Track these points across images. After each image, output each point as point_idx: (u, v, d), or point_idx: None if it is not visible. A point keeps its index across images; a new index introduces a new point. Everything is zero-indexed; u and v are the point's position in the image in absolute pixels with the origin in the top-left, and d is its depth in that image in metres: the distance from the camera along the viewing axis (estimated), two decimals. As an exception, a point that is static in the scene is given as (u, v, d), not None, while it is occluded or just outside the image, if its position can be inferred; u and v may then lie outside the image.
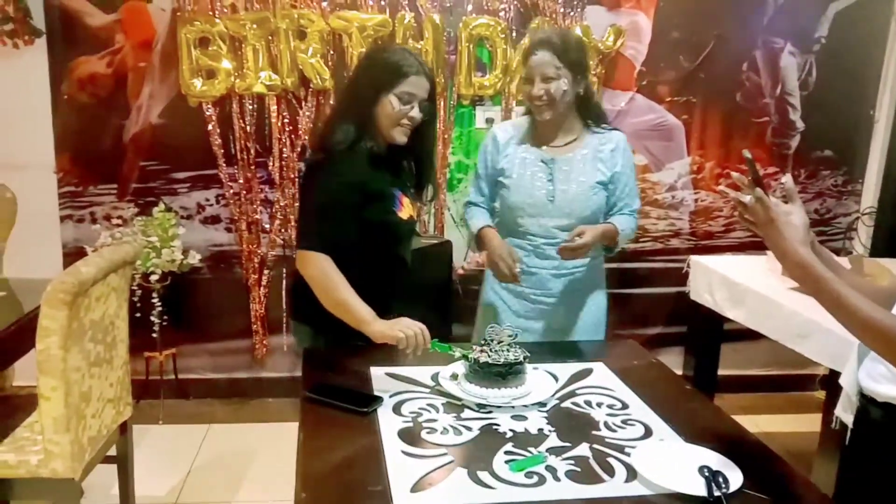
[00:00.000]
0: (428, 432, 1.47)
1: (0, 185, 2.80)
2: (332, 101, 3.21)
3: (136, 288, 3.13)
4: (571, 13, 3.26)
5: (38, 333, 1.79)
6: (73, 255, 3.18)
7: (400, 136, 1.86)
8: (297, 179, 3.25)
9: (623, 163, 2.16)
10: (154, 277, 3.12)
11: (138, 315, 3.15)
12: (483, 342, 1.70)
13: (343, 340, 1.91)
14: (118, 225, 3.25)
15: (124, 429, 2.30)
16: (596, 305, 2.26)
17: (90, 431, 2.00)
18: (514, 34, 3.26)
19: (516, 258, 2.07)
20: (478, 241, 2.20)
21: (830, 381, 2.18)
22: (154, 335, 3.23)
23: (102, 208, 3.29)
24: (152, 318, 3.20)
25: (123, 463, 2.32)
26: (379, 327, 1.77)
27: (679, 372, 3.18)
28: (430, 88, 1.87)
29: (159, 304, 3.19)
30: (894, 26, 3.44)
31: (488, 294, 2.30)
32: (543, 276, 2.18)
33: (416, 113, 1.85)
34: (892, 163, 3.48)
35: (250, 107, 3.21)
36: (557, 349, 2.03)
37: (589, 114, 2.18)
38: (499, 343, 1.68)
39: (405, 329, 1.71)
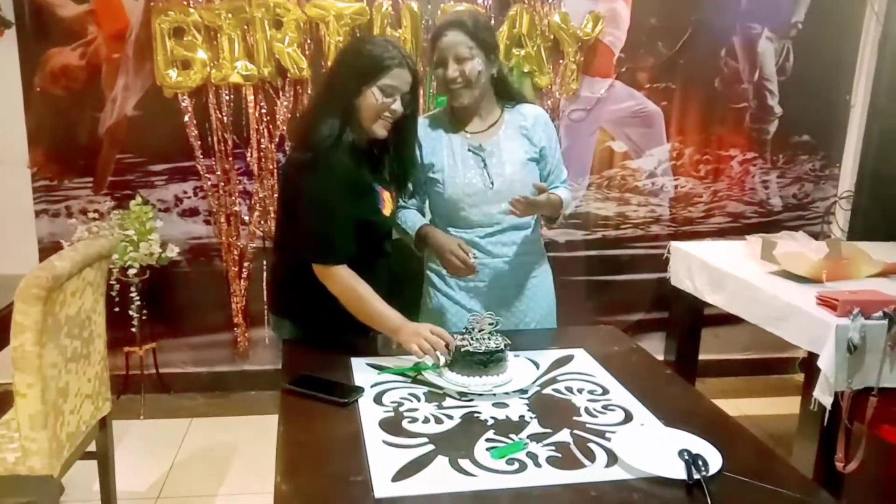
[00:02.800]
0: (409, 421, 1.47)
1: (-28, 180, 2.75)
2: (309, 92, 3.18)
3: (114, 282, 3.10)
4: (550, 0, 3.25)
5: (13, 329, 1.76)
6: (49, 249, 3.13)
7: (381, 130, 1.83)
8: (279, 176, 3.19)
9: (548, 136, 2.11)
10: (132, 271, 3.09)
11: (117, 310, 3.12)
12: (464, 330, 1.70)
13: (322, 334, 1.91)
14: (95, 219, 3.20)
15: (104, 424, 2.27)
16: (547, 293, 2.22)
17: (68, 428, 1.98)
18: (492, 21, 3.23)
19: (467, 248, 1.98)
20: (417, 241, 2.09)
21: (809, 364, 2.20)
22: (133, 330, 3.20)
23: (78, 202, 3.24)
24: (131, 313, 3.16)
25: (104, 459, 2.30)
26: (404, 337, 1.74)
27: (660, 357, 3.21)
28: (412, 81, 1.83)
29: (138, 298, 3.15)
30: (869, 11, 3.47)
31: (431, 301, 2.18)
32: (496, 266, 2.10)
33: (397, 106, 1.82)
34: (868, 147, 3.51)
35: (227, 97, 3.18)
36: (539, 336, 2.03)
37: (506, 94, 2.12)
38: (480, 331, 1.68)
39: (421, 343, 1.69)
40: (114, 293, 3.10)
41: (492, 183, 2.05)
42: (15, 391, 1.81)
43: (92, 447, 2.25)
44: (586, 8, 3.30)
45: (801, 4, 3.46)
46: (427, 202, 2.19)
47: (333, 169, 1.77)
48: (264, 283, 3.34)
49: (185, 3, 3.06)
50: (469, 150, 2.07)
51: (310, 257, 1.83)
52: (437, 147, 2.09)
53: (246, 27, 3.10)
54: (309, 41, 3.16)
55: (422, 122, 2.12)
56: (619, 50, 3.40)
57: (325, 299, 1.84)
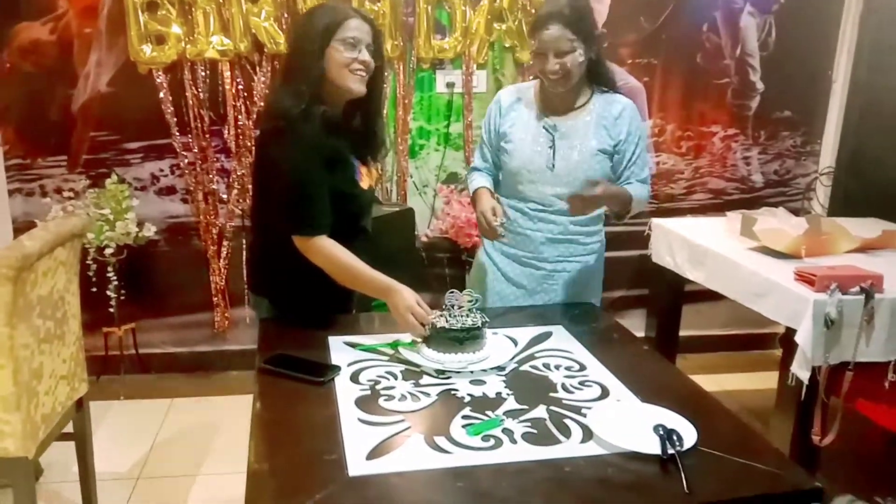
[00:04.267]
0: (386, 399, 1.46)
1: (-59, 159, 2.69)
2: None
3: (91, 262, 3.06)
4: (531, -26, 3.21)
5: (-18, 310, 1.73)
6: (23, 229, 3.03)
7: (357, 85, 1.80)
8: (254, 149, 3.15)
9: (629, 131, 2.09)
10: (109, 251, 3.04)
11: (95, 290, 3.09)
12: (444, 308, 1.69)
13: (301, 313, 1.89)
14: (70, 198, 3.15)
15: (81, 405, 2.25)
16: (589, 278, 2.22)
17: (43, 409, 1.95)
18: (479, -5, 3.19)
19: (498, 213, 2.00)
20: (473, 201, 2.17)
21: (788, 340, 2.21)
22: (112, 310, 3.16)
23: (53, 181, 3.19)
24: (109, 293, 3.13)
25: (81, 440, 2.28)
26: (396, 300, 1.72)
27: (641, 334, 3.22)
28: (372, 32, 1.81)
29: (115, 278, 3.11)
30: (851, -15, 3.45)
31: (480, 255, 2.30)
32: (536, 240, 2.14)
33: (365, 56, 1.79)
34: (849, 123, 3.51)
35: (203, 73, 3.12)
36: (517, 314, 2.03)
37: (599, 78, 2.12)
38: (459, 308, 1.67)
39: (416, 311, 1.69)
40: (91, 273, 3.06)
41: (553, 165, 2.06)
42: (-14, 373, 1.78)
43: (69, 428, 2.23)
44: (568, -18, 3.25)
45: (783, -21, 3.44)
46: (498, 168, 2.22)
47: (305, 139, 1.74)
48: (244, 262, 3.32)
49: (158, -25, 2.99)
50: (544, 127, 2.09)
51: (290, 230, 1.80)
52: (516, 119, 2.13)
53: (221, 1, 3.03)
54: (286, 15, 3.10)
55: (509, 89, 2.20)
56: (600, 25, 3.36)
57: (303, 276, 1.83)
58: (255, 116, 3.18)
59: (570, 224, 2.13)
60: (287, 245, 1.81)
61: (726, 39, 3.48)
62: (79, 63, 3.10)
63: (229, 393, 3.25)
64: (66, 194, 3.16)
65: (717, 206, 3.60)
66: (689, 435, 1.31)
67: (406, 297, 1.72)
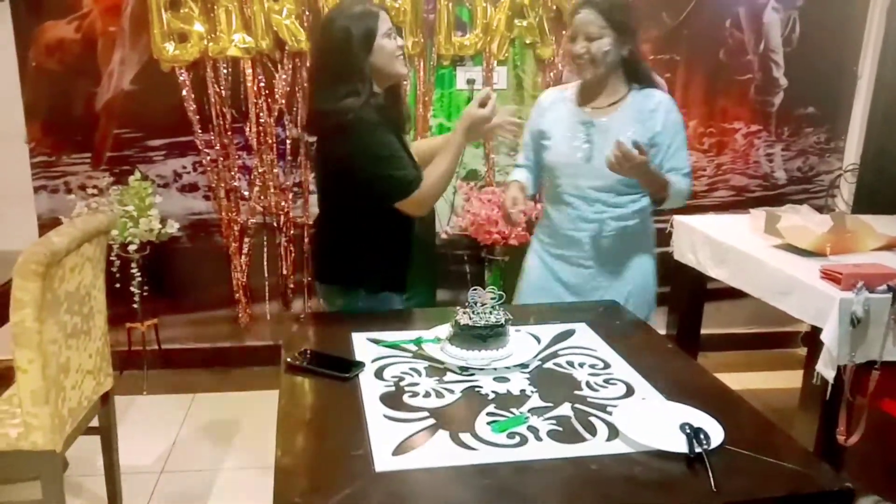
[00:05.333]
0: (410, 396, 1.46)
1: (-31, 156, 2.73)
2: (311, 73, 3.13)
3: (114, 258, 3.09)
4: (552, -30, 3.19)
5: (12, 306, 1.76)
6: (48, 226, 3.10)
7: (402, 68, 1.99)
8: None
9: (665, 124, 2.12)
10: (132, 247, 3.08)
11: (118, 286, 3.11)
12: (466, 305, 1.69)
13: (375, 292, 2.02)
14: (94, 195, 3.18)
15: (106, 399, 2.28)
16: (641, 271, 2.26)
17: (70, 403, 1.98)
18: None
19: (517, 201, 2.10)
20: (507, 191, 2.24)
21: (812, 338, 2.19)
22: (135, 306, 3.20)
23: (77, 178, 3.23)
24: (132, 289, 3.16)
25: (107, 434, 2.31)
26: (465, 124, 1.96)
27: (663, 332, 3.19)
28: (390, 18, 2.00)
29: (139, 274, 3.15)
30: (878, -20, 3.40)
31: (530, 259, 2.36)
32: (581, 240, 2.20)
33: (400, 41, 1.98)
34: (874, 120, 3.46)
35: (225, 71, 3.14)
36: (541, 311, 2.02)
37: (636, 75, 2.15)
38: (482, 305, 1.67)
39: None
40: (114, 269, 3.09)
41: (591, 158, 2.11)
42: (16, 367, 1.81)
43: (95, 422, 2.26)
44: (589, -22, 3.24)
45: (808, -27, 3.40)
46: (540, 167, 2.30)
47: (374, 122, 1.89)
48: (264, 258, 3.34)
49: (181, -26, 3.01)
50: (580, 122, 2.15)
51: (395, 198, 1.92)
52: (555, 117, 2.21)
53: (243, -1, 3.05)
54: (307, 12, 3.11)
55: (551, 90, 2.32)
56: (622, 20, 3.34)
57: (377, 250, 2.01)
58: (276, 114, 3.20)
59: (614, 217, 2.16)
60: (366, 223, 1.98)
61: (749, 35, 3.44)
62: (103, 61, 3.13)
63: (251, 388, 3.27)
64: (90, 191, 3.20)
65: (740, 203, 3.57)
66: (715, 433, 1.30)
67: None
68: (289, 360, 1.61)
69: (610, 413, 1.39)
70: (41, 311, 1.78)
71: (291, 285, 3.42)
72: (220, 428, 2.98)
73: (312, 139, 2.21)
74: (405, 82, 2.17)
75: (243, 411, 3.10)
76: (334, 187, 2.02)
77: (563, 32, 2.12)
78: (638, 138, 2.06)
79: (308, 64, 3.09)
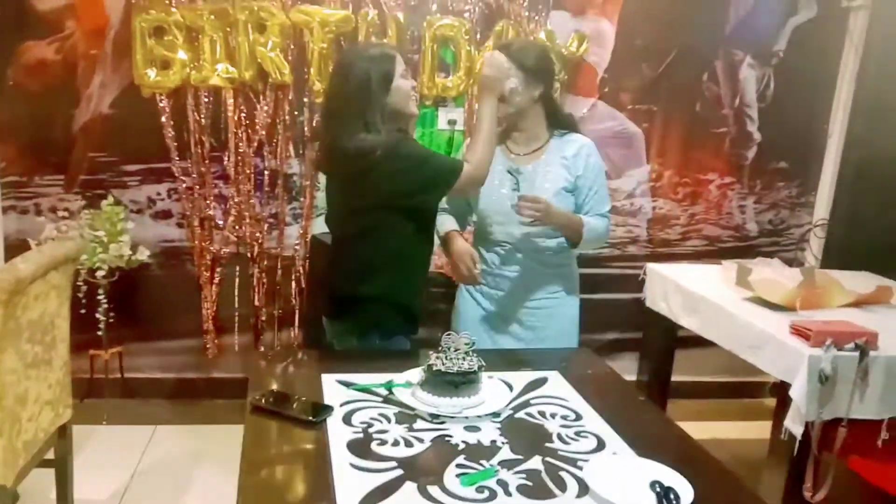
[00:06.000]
0: (378, 444, 1.43)
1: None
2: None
3: (81, 283, 3.02)
4: (536, 17, 3.25)
5: (-30, 333, 1.70)
6: (16, 247, 3.04)
7: (415, 107, 2.06)
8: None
9: (586, 166, 2.19)
10: (101, 273, 3.02)
11: (83, 311, 3.04)
12: (439, 349, 1.67)
13: (390, 335, 2.02)
14: (64, 217, 3.13)
15: (64, 431, 2.21)
16: (567, 316, 2.30)
17: (25, 436, 1.91)
18: (478, 36, 3.23)
19: (476, 259, 2.12)
20: (443, 244, 2.24)
21: (780, 389, 2.20)
22: (100, 333, 3.12)
23: (48, 200, 3.17)
24: (98, 315, 3.09)
25: (62, 467, 2.24)
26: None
27: (634, 377, 3.20)
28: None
29: (105, 300, 3.08)
30: (849, 43, 3.51)
31: (462, 297, 2.35)
32: (512, 279, 2.22)
33: (413, 82, 2.08)
34: (843, 176, 3.55)
35: (206, 100, 3.12)
36: (514, 357, 2.01)
37: (556, 121, 2.23)
38: (455, 351, 1.65)
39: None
40: (81, 294, 3.02)
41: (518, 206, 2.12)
42: (-30, 397, 1.75)
43: (50, 454, 2.19)
44: (572, 27, 3.30)
45: (783, 34, 3.49)
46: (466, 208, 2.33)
47: (401, 138, 1.96)
48: (236, 288, 3.29)
49: (167, 2, 3.01)
50: (508, 171, 2.19)
51: (449, 183, 1.95)
52: None
53: (228, 29, 3.05)
54: (292, 46, 3.12)
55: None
56: (602, 70, 3.41)
57: (402, 291, 2.04)
58: (256, 144, 3.18)
59: (541, 261, 2.21)
60: (386, 260, 2.01)
61: (726, 89, 3.53)
62: (82, 84, 3.10)
63: (215, 422, 3.19)
64: (60, 214, 3.14)
65: (712, 252, 3.61)
66: (685, 493, 1.29)
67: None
68: (254, 400, 1.57)
69: (580, 468, 1.37)
70: (2, 340, 1.73)
71: (263, 317, 3.37)
72: (181, 462, 2.90)
73: (325, 175, 2.22)
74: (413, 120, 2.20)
75: (206, 445, 3.02)
76: (360, 218, 2.01)
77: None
78: (563, 184, 2.17)
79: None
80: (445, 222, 2.25)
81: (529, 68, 2.12)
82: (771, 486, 2.23)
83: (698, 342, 2.88)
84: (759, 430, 3.21)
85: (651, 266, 3.02)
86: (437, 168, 1.97)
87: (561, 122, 2.24)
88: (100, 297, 3.07)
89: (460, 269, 2.13)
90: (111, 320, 3.14)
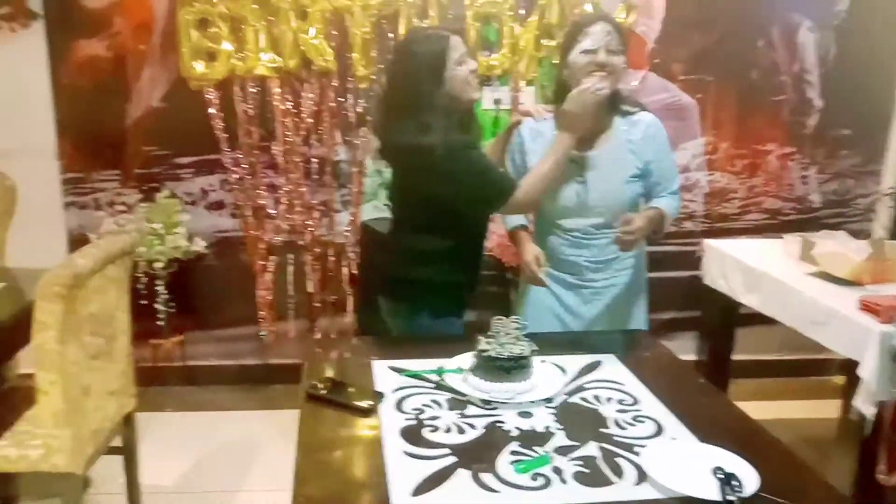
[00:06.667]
0: (431, 431, 1.42)
1: (0, 174, 2.76)
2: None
3: (141, 275, 3.10)
4: (582, -12, 3.16)
5: (34, 328, 1.76)
6: (77, 242, 3.14)
7: (476, 92, 1.96)
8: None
9: (655, 148, 2.09)
10: (159, 265, 3.09)
11: (144, 302, 3.12)
12: (489, 334, 1.65)
13: (440, 315, 2.02)
14: (122, 211, 3.21)
15: (129, 420, 2.27)
16: (635, 297, 2.22)
17: (92, 425, 1.97)
18: (522, 12, 3.16)
19: (542, 263, 2.04)
20: (511, 239, 2.21)
21: (849, 367, 2.11)
22: (160, 322, 3.20)
23: (106, 195, 3.25)
24: (158, 306, 3.17)
25: (129, 454, 2.31)
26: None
27: (692, 357, 3.13)
28: (463, 40, 1.95)
29: (165, 291, 3.16)
30: (918, -2, 3.32)
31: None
32: (580, 264, 2.14)
33: (474, 64, 1.95)
34: (913, 141, 3.37)
35: (252, 89, 3.15)
36: (567, 340, 1.98)
37: (620, 100, 2.10)
38: (506, 335, 1.63)
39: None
40: (141, 286, 3.10)
41: (587, 197, 2.07)
42: (38, 389, 1.81)
43: (117, 442, 2.26)
44: (619, -3, 3.21)
45: (844, -7, 3.32)
46: None
47: (461, 146, 1.88)
48: (289, 276, 3.33)
49: (211, -6, 3.04)
50: (571, 159, 2.04)
51: (493, 206, 1.97)
52: (541, 151, 2.06)
53: (271, 18, 3.06)
54: (335, 32, 3.11)
55: (531, 124, 2.14)
56: (652, 40, 3.30)
57: (454, 273, 2.02)
58: (303, 133, 3.20)
59: (608, 245, 2.10)
60: (439, 244, 1.99)
61: (783, 55, 3.37)
62: (132, 79, 3.17)
63: (274, 407, 3.25)
64: (118, 208, 3.22)
65: (773, 226, 3.48)
66: (749, 479, 1.24)
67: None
68: (308, 388, 1.58)
69: (638, 454, 1.34)
70: (63, 333, 1.78)
71: (316, 304, 3.41)
72: (243, 447, 2.97)
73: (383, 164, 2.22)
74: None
75: (265, 430, 3.08)
76: (417, 207, 2.01)
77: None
78: (632, 171, 2.07)
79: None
80: (510, 217, 2.19)
81: (625, 45, 2.00)
82: (841, 469, 2.15)
83: (760, 319, 2.79)
84: (827, 408, 3.11)
85: (709, 242, 2.93)
86: (487, 185, 1.91)
87: (623, 100, 2.12)
88: (159, 288, 3.15)
89: (525, 271, 2.09)
90: (171, 310, 3.22)
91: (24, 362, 2.86)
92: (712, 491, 1.21)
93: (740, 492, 1.21)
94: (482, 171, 1.92)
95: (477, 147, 1.98)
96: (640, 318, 2.24)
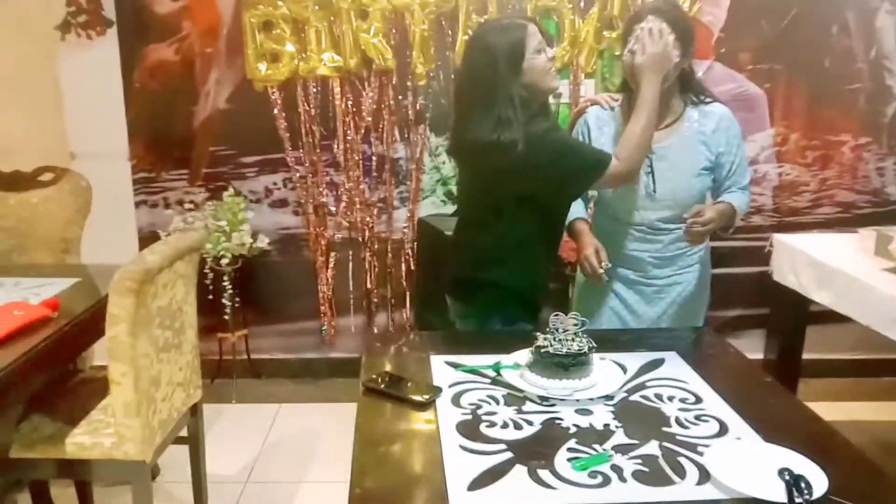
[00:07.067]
0: (487, 426, 1.42)
1: (76, 175, 2.89)
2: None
3: (208, 271, 3.19)
4: (643, -21, 3.09)
5: (108, 321, 1.83)
6: (147, 239, 3.25)
7: (555, 81, 1.91)
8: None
9: (728, 141, 2.02)
10: (225, 261, 3.18)
11: (211, 297, 3.22)
12: (547, 330, 1.63)
13: (511, 322, 1.97)
14: (190, 210, 3.31)
15: (195, 411, 2.34)
16: (698, 293, 2.15)
17: (160, 415, 2.04)
18: (582, 4, 3.12)
19: (602, 257, 1.99)
20: (569, 232, 2.13)
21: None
22: (226, 317, 3.30)
23: (175, 193, 3.37)
24: (224, 301, 3.26)
25: (195, 444, 2.37)
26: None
27: (761, 356, 3.03)
28: (539, 28, 1.88)
29: (230, 286, 3.25)
30: None
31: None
32: (644, 260, 2.09)
33: (552, 52, 1.88)
34: None
35: (314, 90, 3.20)
36: (628, 337, 1.94)
37: (690, 88, 2.04)
38: (564, 331, 1.61)
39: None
40: (208, 282, 3.20)
41: (654, 190, 2.01)
42: (110, 379, 1.88)
43: (184, 432, 2.33)
44: (683, -14, 3.12)
45: (928, -29, 3.16)
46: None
47: (543, 130, 1.83)
48: (350, 273, 3.37)
49: (273, -4, 3.10)
50: None
51: (592, 178, 1.87)
52: (606, 141, 2.04)
53: (332, 18, 3.11)
54: (394, 31, 3.13)
55: (598, 111, 2.12)
56: (718, 30, 3.21)
57: (527, 279, 1.98)
58: (363, 131, 3.24)
59: (674, 241, 2.05)
60: (514, 249, 1.94)
61: (859, 41, 3.23)
62: (200, 81, 3.26)
63: (335, 400, 3.31)
64: (186, 206, 3.33)
65: (847, 220, 3.34)
66: (818, 481, 1.19)
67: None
68: (366, 382, 1.60)
69: (701, 454, 1.30)
70: (134, 326, 1.85)
71: (375, 299, 3.45)
72: (304, 439, 3.03)
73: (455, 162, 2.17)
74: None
75: (327, 423, 3.13)
76: (490, 204, 1.94)
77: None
78: (703, 163, 2.00)
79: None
80: (572, 207, 2.13)
81: (684, 36, 1.92)
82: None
83: (832, 317, 2.68)
84: (904, 411, 2.96)
85: (778, 237, 2.83)
86: (582, 161, 1.85)
87: (695, 89, 2.04)
88: (225, 284, 3.24)
89: (584, 266, 2.02)
90: (236, 305, 3.31)
91: (98, 355, 3.00)
92: (779, 493, 1.17)
93: (808, 495, 1.16)
94: (573, 148, 1.88)
95: (560, 128, 1.94)
96: (702, 318, 2.17)
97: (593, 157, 1.87)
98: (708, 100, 2.05)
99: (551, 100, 3.16)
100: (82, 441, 1.95)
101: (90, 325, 2.16)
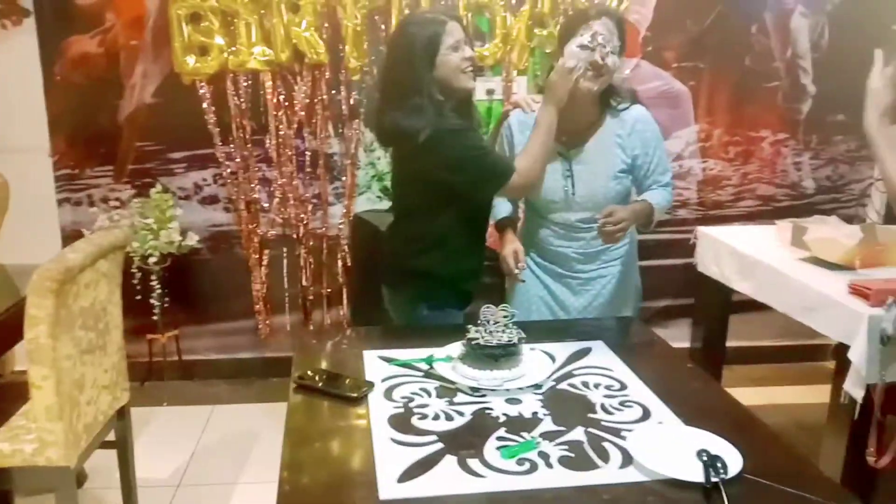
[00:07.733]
0: (419, 418, 1.43)
1: (-7, 170, 2.77)
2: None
3: (135, 270, 3.10)
4: (573, -22, 3.15)
5: (26, 322, 1.77)
6: (71, 238, 3.13)
7: (469, 82, 1.91)
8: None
9: (643, 143, 2.07)
10: (153, 259, 3.09)
11: (139, 297, 3.13)
12: (478, 322, 1.66)
13: (439, 308, 2.00)
14: (116, 207, 3.21)
15: (123, 414, 2.28)
16: (628, 284, 2.22)
17: (85, 419, 1.98)
18: (513, 1, 3.15)
19: (520, 258, 2.05)
20: (497, 229, 2.20)
21: (841, 352, 2.12)
22: (155, 317, 3.21)
23: (99, 190, 3.26)
24: (153, 301, 3.18)
25: (123, 448, 2.31)
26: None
27: (687, 344, 3.13)
28: (461, 27, 1.91)
29: (159, 286, 3.16)
30: (910, -17, 3.31)
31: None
32: (569, 256, 2.15)
33: (469, 52, 1.90)
34: (907, 126, 3.36)
35: (245, 84, 3.15)
36: (556, 328, 1.98)
37: (611, 93, 2.07)
38: (494, 323, 1.64)
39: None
40: (135, 281, 3.11)
41: (573, 193, 2.06)
42: (30, 383, 1.82)
43: (112, 436, 2.27)
44: (610, -15, 3.20)
45: (836, -22, 3.32)
46: None
47: (454, 130, 1.86)
48: (284, 270, 3.33)
49: (201, -13, 3.03)
50: (559, 153, 2.05)
51: (492, 190, 1.95)
52: None
53: (263, 12, 3.06)
54: (326, 25, 3.11)
55: (519, 115, 2.14)
56: (644, 28, 3.30)
57: (454, 265, 2.01)
58: (295, 126, 3.20)
59: (596, 238, 2.09)
60: (438, 235, 1.97)
61: (776, 41, 3.37)
62: (125, 74, 3.16)
63: (270, 400, 3.25)
64: (112, 203, 3.23)
65: (767, 213, 3.49)
66: (734, 461, 1.25)
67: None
68: (296, 379, 1.59)
69: (624, 438, 1.35)
70: (55, 327, 1.78)
71: (311, 297, 3.42)
72: (239, 440, 2.98)
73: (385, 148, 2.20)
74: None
75: (262, 423, 3.09)
76: (415, 194, 1.99)
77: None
78: (620, 165, 2.06)
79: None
80: (499, 207, 2.19)
81: (623, 45, 1.98)
82: (832, 453, 2.16)
83: (754, 306, 2.80)
84: (821, 393, 3.10)
85: (702, 229, 2.93)
86: (483, 170, 1.89)
87: (613, 93, 2.07)
88: (153, 283, 3.15)
89: (504, 265, 2.07)
90: (166, 305, 3.23)
91: (19, 358, 2.88)
92: (696, 473, 1.22)
93: (724, 474, 1.21)
94: (479, 154, 1.89)
95: (474, 131, 1.95)
96: (630, 309, 2.24)
97: (496, 167, 1.90)
98: (626, 105, 2.09)
99: (484, 96, 3.25)
100: (1, 448, 1.88)
101: (9, 327, 2.08)
